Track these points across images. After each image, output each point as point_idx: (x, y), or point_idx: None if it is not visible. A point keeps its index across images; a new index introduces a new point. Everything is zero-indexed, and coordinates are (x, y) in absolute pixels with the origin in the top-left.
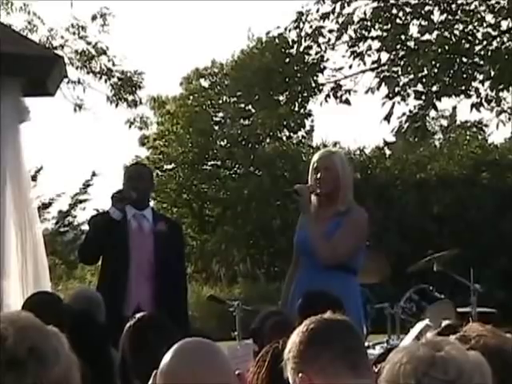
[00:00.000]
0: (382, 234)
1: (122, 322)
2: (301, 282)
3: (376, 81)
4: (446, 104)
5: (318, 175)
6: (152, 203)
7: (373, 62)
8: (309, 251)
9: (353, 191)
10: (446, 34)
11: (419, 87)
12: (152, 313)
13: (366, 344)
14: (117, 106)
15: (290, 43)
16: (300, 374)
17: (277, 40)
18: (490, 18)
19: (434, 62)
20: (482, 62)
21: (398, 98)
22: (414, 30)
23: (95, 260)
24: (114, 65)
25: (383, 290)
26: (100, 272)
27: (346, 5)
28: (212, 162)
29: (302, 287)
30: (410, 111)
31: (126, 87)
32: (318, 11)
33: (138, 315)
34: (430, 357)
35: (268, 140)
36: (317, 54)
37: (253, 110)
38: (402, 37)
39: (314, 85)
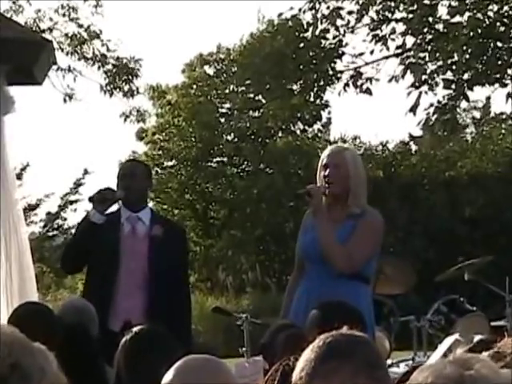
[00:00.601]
0: (406, 239)
1: (109, 337)
2: (309, 291)
3: (400, 68)
4: (478, 94)
5: (327, 172)
6: (151, 204)
7: (397, 47)
8: (317, 257)
9: (366, 192)
10: (479, 15)
11: (449, 75)
12: (151, 326)
13: (390, 361)
14: (111, 96)
15: (305, 26)
16: None
17: (290, 22)
18: None
19: (465, 47)
20: None
21: (425, 87)
22: (443, 11)
23: (77, 268)
24: (108, 50)
25: (408, 301)
26: (85, 281)
27: None
28: (218, 159)
29: (311, 296)
30: (439, 102)
31: (121, 75)
32: None
33: (135, 328)
34: (458, 376)
35: (280, 134)
36: (334, 38)
37: (263, 101)
38: (430, 19)
39: (331, 72)
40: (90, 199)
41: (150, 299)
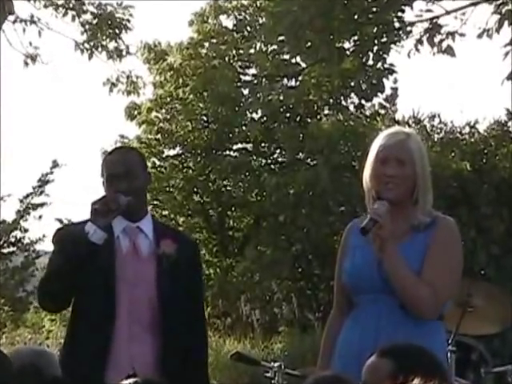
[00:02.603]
0: (503, 257)
1: None
2: (364, 330)
3: (495, 18)
4: None
5: (389, 171)
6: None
7: None
8: (371, 284)
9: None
10: None
11: None
12: (154, 378)
13: None
14: (91, 57)
15: None
16: None
17: None
18: None
19: None
20: None
21: None
22: None
23: (64, 305)
24: None
25: (505, 344)
26: (70, 321)
27: None
28: (239, 146)
29: (365, 337)
30: None
31: (104, 29)
32: None
33: (130, 380)
34: None
35: (326, 111)
36: None
37: (302, 65)
38: None
39: (397, 25)
40: (92, 210)
41: (160, 345)
